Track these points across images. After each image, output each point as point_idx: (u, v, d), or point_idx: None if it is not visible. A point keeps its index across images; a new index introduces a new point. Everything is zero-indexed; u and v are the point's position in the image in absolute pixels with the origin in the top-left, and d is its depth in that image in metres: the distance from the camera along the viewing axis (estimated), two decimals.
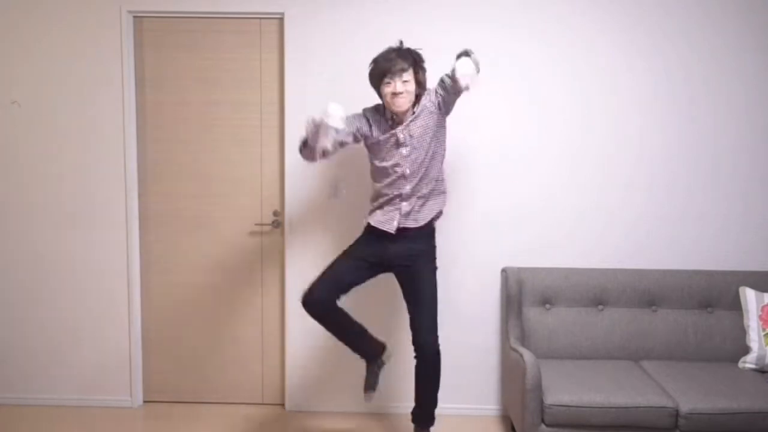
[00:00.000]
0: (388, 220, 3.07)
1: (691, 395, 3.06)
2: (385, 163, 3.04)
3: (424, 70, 3.03)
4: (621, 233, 3.64)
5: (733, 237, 3.62)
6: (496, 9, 3.55)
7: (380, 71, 2.95)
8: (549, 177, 3.63)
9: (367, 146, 3.13)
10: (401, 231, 3.07)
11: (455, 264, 3.63)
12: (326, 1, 3.55)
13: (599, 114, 3.59)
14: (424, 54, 3.57)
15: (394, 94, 2.93)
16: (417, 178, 3.03)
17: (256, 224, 3.75)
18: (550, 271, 3.57)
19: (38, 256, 3.74)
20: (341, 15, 3.56)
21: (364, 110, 3.12)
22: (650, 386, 3.13)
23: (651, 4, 3.53)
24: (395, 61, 2.92)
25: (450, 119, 3.61)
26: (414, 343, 3.13)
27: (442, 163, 3.12)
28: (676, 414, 3.01)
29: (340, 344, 3.22)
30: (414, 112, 3.01)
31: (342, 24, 3.56)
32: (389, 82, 2.93)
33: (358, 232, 3.21)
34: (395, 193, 3.05)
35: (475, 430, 3.57)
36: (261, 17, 3.61)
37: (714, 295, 3.52)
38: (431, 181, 3.08)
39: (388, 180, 3.06)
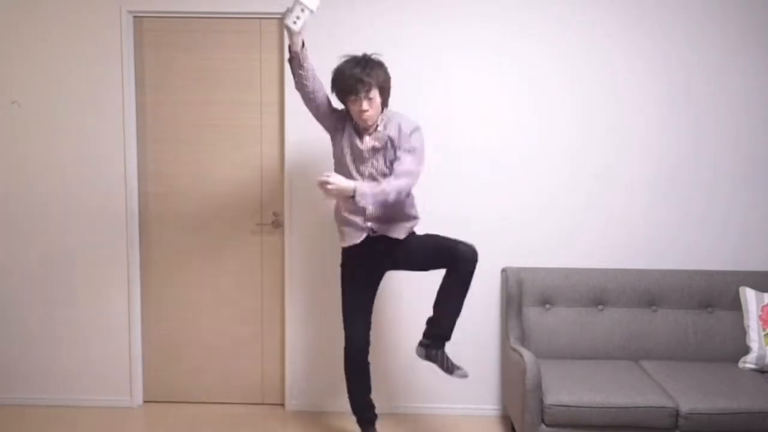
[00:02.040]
0: (355, 232, 3.04)
1: (691, 395, 3.05)
2: (344, 166, 3.02)
3: (388, 77, 2.96)
4: (621, 233, 3.64)
5: (733, 237, 3.62)
6: (496, 9, 3.55)
7: (345, 89, 2.89)
8: (549, 177, 3.63)
9: (326, 128, 3.10)
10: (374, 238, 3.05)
11: None
12: (326, 1, 3.55)
13: (599, 114, 3.59)
14: (424, 54, 3.58)
15: (362, 111, 2.90)
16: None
17: (256, 224, 3.75)
18: (550, 271, 3.57)
19: (38, 256, 3.74)
20: (341, 15, 3.56)
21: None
22: (650, 386, 3.13)
23: (651, 4, 3.53)
24: (361, 82, 2.85)
25: (451, 118, 3.62)
26: (452, 260, 2.99)
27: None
28: (676, 414, 3.01)
29: (340, 344, 3.21)
30: (377, 127, 2.98)
31: (342, 24, 3.56)
32: (355, 99, 2.89)
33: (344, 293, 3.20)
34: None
35: (475, 430, 3.56)
36: (261, 17, 3.61)
37: (714, 295, 3.52)
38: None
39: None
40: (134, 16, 3.63)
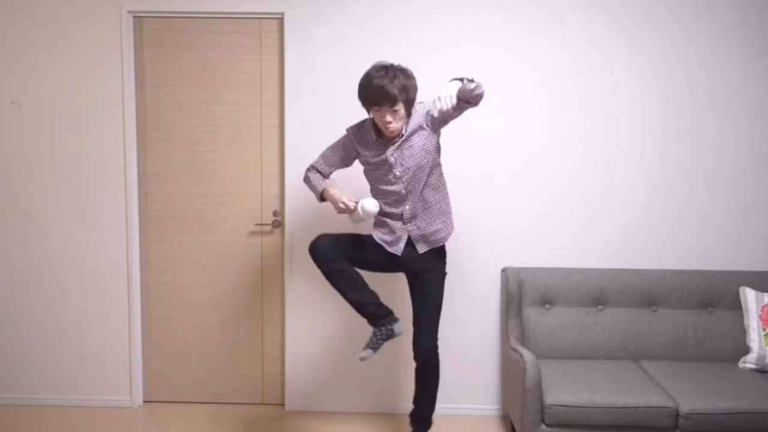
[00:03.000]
0: (393, 242, 3.03)
1: (691, 395, 3.06)
2: (380, 185, 3.01)
3: (415, 89, 2.90)
4: (621, 233, 3.64)
5: (733, 237, 3.62)
6: (496, 9, 3.55)
7: (370, 99, 2.82)
8: (549, 177, 3.63)
9: (360, 162, 3.08)
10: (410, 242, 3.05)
11: (455, 264, 3.63)
12: (326, 1, 3.55)
13: (599, 114, 3.59)
14: (424, 54, 3.58)
15: (385, 122, 2.85)
16: (415, 197, 2.99)
17: (256, 224, 3.75)
18: (550, 271, 3.57)
19: (38, 256, 3.74)
20: (341, 15, 3.56)
21: (349, 131, 3.05)
22: (650, 386, 3.13)
23: (652, 4, 3.53)
24: (384, 94, 2.77)
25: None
26: (414, 344, 3.12)
27: (440, 174, 3.06)
28: (676, 414, 3.01)
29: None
30: (402, 135, 2.94)
31: (342, 24, 3.56)
32: (378, 111, 2.82)
33: (357, 233, 3.20)
34: (395, 212, 3.01)
35: (475, 430, 3.57)
36: (261, 17, 3.61)
37: (714, 295, 3.52)
38: (432, 194, 3.03)
39: (385, 200, 3.02)
40: (134, 16, 3.63)
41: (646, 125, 3.59)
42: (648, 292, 3.52)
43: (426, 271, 3.08)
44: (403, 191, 2.98)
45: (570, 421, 3.04)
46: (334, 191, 3.00)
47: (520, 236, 3.65)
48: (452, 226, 3.10)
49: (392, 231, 3.04)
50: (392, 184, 2.98)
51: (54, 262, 3.74)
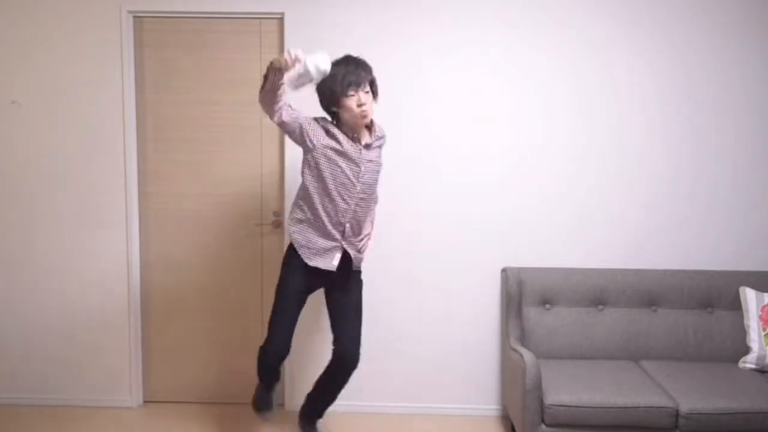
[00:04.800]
0: (327, 257, 2.99)
1: (691, 395, 3.06)
2: (330, 186, 2.90)
3: (375, 80, 2.95)
4: (621, 233, 3.64)
5: (733, 237, 3.62)
6: (496, 9, 3.55)
7: (345, 84, 2.79)
8: (549, 177, 3.63)
9: (310, 155, 2.93)
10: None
11: (455, 264, 3.63)
12: (326, 1, 3.55)
13: (600, 114, 3.59)
14: (424, 55, 3.58)
15: (361, 105, 2.83)
16: (368, 201, 3.00)
17: (256, 224, 3.75)
18: (550, 271, 3.57)
19: (38, 256, 3.74)
20: (341, 15, 3.56)
21: (316, 118, 2.96)
22: (650, 386, 3.13)
23: (652, 4, 3.53)
24: (358, 73, 2.80)
25: (452, 118, 3.62)
26: (336, 352, 3.09)
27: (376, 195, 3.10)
28: (676, 414, 3.01)
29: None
30: (376, 136, 2.99)
31: (342, 24, 3.56)
32: (353, 95, 2.82)
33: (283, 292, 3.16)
34: (336, 220, 2.95)
35: (475, 430, 3.56)
36: (261, 17, 3.61)
37: (714, 295, 3.52)
38: (370, 209, 3.06)
39: (329, 202, 2.92)
40: (134, 16, 3.63)
41: (646, 125, 3.59)
42: (648, 292, 3.52)
43: (344, 279, 3.08)
44: (356, 199, 2.95)
45: (570, 421, 3.04)
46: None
47: (520, 236, 3.65)
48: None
49: (328, 243, 2.98)
50: (347, 188, 2.91)
51: (54, 262, 3.74)
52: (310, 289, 3.10)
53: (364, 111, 2.86)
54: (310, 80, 2.70)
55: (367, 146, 2.96)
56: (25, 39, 3.63)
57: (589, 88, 3.58)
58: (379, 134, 3.05)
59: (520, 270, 3.57)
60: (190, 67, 3.66)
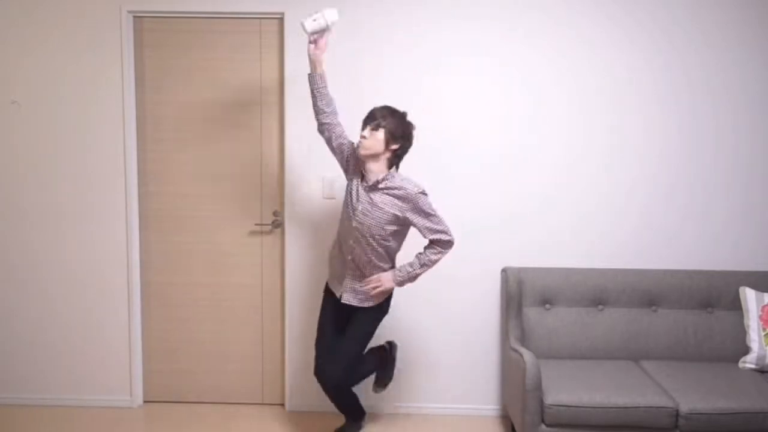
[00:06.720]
0: (336, 282, 3.16)
1: (691, 395, 3.06)
2: (342, 208, 3.12)
3: (402, 131, 2.97)
4: (621, 233, 3.64)
5: (733, 237, 3.63)
6: (496, 9, 3.54)
7: (363, 120, 3.02)
8: (549, 177, 3.63)
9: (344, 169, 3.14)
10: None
11: (455, 264, 3.63)
12: (326, 1, 3.55)
13: (599, 114, 3.59)
14: (424, 55, 3.58)
15: (361, 137, 2.96)
16: (364, 244, 3.01)
17: (256, 224, 3.75)
18: (550, 271, 3.57)
19: (38, 256, 3.74)
20: (341, 15, 3.56)
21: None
22: (650, 386, 3.13)
23: (652, 4, 3.53)
24: (370, 114, 2.99)
25: (451, 118, 3.62)
26: (315, 369, 3.16)
27: (395, 250, 3.11)
28: (676, 414, 3.01)
29: None
30: (385, 178, 2.98)
31: (342, 24, 3.56)
32: (363, 130, 2.98)
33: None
34: (345, 247, 3.09)
35: (475, 430, 3.57)
36: (261, 17, 3.61)
37: (714, 295, 3.52)
38: (378, 259, 3.05)
39: (341, 228, 3.13)
40: (134, 16, 3.63)
41: (646, 125, 3.59)
42: (648, 292, 3.52)
43: (360, 313, 3.13)
44: (353, 235, 3.02)
45: (570, 421, 3.04)
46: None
47: (520, 236, 3.65)
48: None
49: (335, 275, 3.16)
50: (345, 219, 3.07)
51: (54, 262, 3.74)
52: (338, 315, 3.17)
53: (360, 142, 2.97)
54: (322, 26, 3.02)
55: (373, 188, 2.99)
56: (25, 39, 3.63)
57: (589, 88, 3.58)
58: (392, 184, 2.98)
59: (520, 270, 3.57)
60: (190, 66, 3.66)
